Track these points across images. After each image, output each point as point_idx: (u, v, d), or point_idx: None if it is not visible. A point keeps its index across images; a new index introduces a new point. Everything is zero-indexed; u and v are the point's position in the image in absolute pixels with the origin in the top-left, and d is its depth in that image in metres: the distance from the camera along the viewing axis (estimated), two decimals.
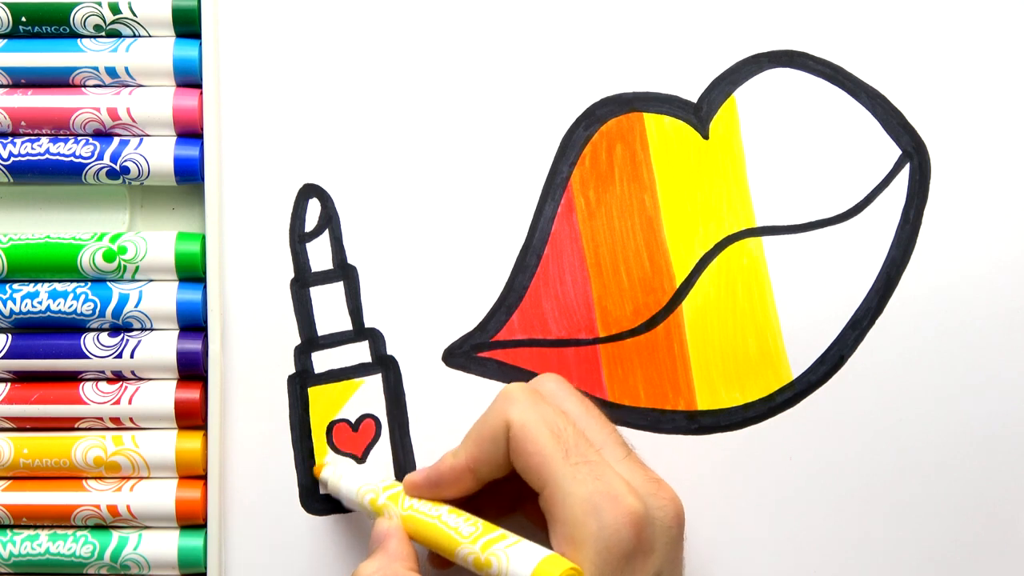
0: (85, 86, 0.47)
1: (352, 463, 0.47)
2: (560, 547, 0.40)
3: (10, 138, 0.47)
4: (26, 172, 0.47)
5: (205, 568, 0.47)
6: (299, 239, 0.48)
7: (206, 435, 0.47)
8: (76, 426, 0.47)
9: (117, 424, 0.47)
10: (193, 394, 0.47)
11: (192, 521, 0.47)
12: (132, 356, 0.47)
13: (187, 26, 0.47)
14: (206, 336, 0.47)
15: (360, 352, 0.48)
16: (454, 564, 0.42)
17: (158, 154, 0.47)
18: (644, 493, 0.41)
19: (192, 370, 0.47)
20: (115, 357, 0.47)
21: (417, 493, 0.44)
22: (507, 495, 0.45)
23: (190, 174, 0.47)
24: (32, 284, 0.47)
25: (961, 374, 0.47)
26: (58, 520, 0.47)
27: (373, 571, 0.41)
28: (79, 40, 0.47)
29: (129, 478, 0.47)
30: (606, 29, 0.48)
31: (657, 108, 0.48)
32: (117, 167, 0.47)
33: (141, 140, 0.47)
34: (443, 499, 0.43)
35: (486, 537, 0.41)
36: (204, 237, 0.47)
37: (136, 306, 0.47)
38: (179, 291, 0.47)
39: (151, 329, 0.47)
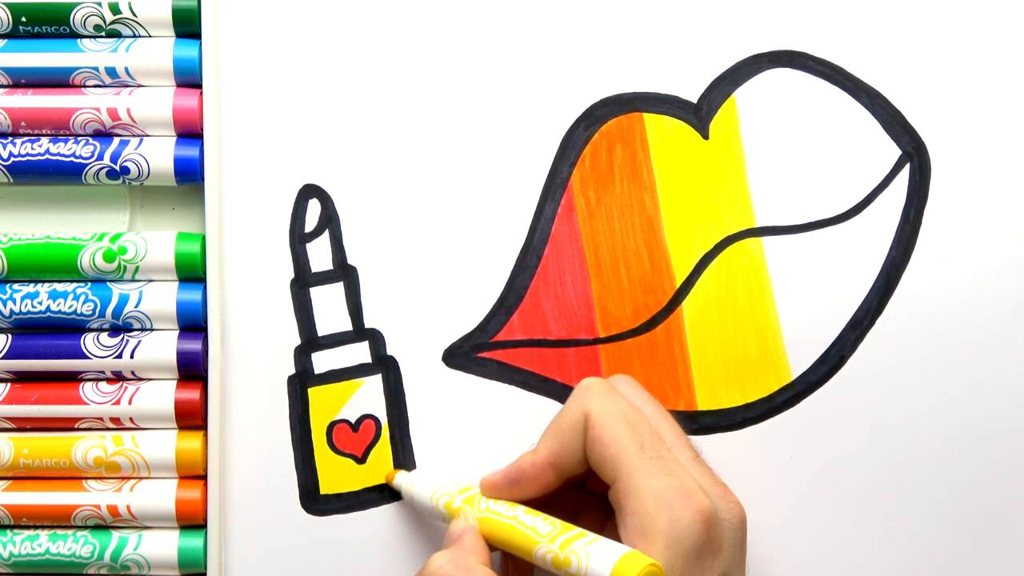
0: (85, 86, 0.47)
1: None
2: (630, 539, 0.40)
3: (10, 138, 0.47)
4: (26, 172, 0.47)
5: (205, 568, 0.47)
6: (299, 239, 0.48)
7: (206, 435, 0.47)
8: (76, 426, 0.47)
9: (117, 424, 0.47)
10: (193, 394, 0.47)
11: (192, 521, 0.47)
12: (132, 356, 0.47)
13: (187, 26, 0.47)
14: (206, 336, 0.47)
15: (360, 352, 0.48)
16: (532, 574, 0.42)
17: (158, 154, 0.47)
18: (713, 495, 0.41)
19: (192, 370, 0.47)
20: (115, 357, 0.47)
21: (495, 493, 0.44)
22: (564, 506, 0.45)
23: (190, 174, 0.47)
24: (32, 284, 0.47)
25: (961, 374, 0.47)
26: (58, 520, 0.47)
27: (445, 561, 0.41)
28: (79, 40, 0.47)
29: (129, 478, 0.47)
30: (606, 29, 0.48)
31: (657, 108, 0.48)
32: (117, 167, 0.47)
33: (141, 140, 0.47)
34: (520, 499, 0.44)
35: (564, 535, 0.41)
36: (204, 237, 0.47)
37: (136, 306, 0.47)
38: (179, 291, 0.47)
39: (151, 329, 0.47)
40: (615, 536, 0.41)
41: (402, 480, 0.47)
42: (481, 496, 0.44)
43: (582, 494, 0.46)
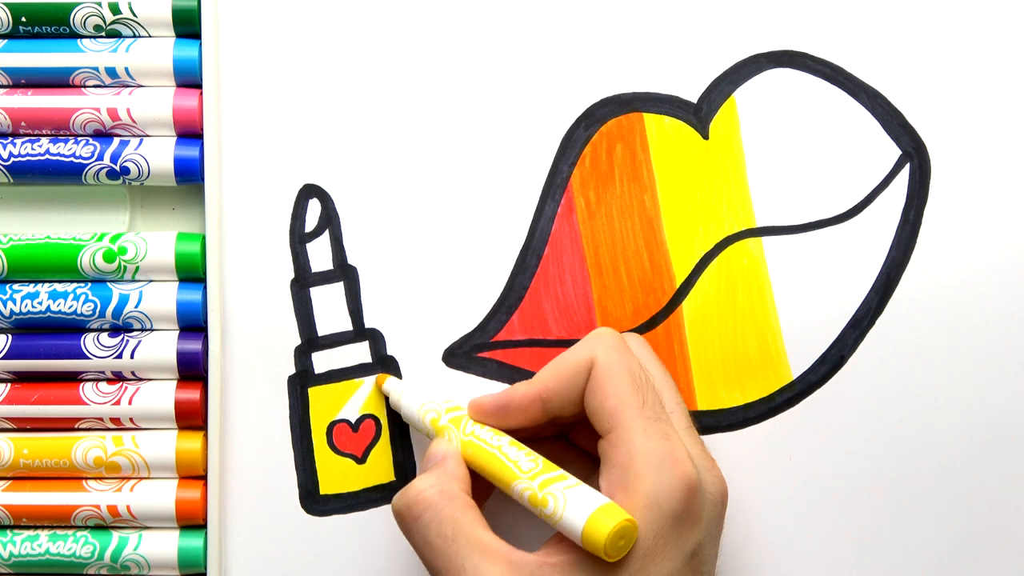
0: (85, 86, 0.47)
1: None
2: (611, 492, 0.40)
3: (10, 138, 0.47)
4: (26, 172, 0.47)
5: (205, 568, 0.47)
6: (299, 239, 0.48)
7: (206, 435, 0.47)
8: (76, 426, 0.47)
9: (117, 424, 0.47)
10: (193, 394, 0.47)
11: (192, 521, 0.47)
12: (132, 356, 0.47)
13: (187, 26, 0.47)
14: (206, 336, 0.47)
15: (360, 352, 0.48)
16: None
17: (158, 154, 0.47)
18: (700, 466, 0.42)
19: (192, 370, 0.47)
20: (115, 357, 0.47)
21: (482, 418, 0.44)
22: (548, 456, 0.45)
23: (190, 174, 0.47)
24: (32, 284, 0.47)
25: (961, 374, 0.47)
26: (58, 520, 0.47)
27: (430, 485, 0.42)
28: (79, 40, 0.47)
29: (129, 478, 0.47)
30: (606, 29, 0.48)
31: (657, 108, 0.48)
32: (117, 167, 0.47)
33: (141, 140, 0.47)
34: (506, 427, 0.44)
35: (545, 475, 0.41)
36: (204, 237, 0.47)
37: (136, 306, 0.47)
38: (179, 291, 0.47)
39: (151, 329, 0.47)
40: (596, 488, 0.41)
41: (392, 387, 0.46)
42: (468, 418, 0.44)
43: (567, 446, 0.46)
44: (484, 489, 0.45)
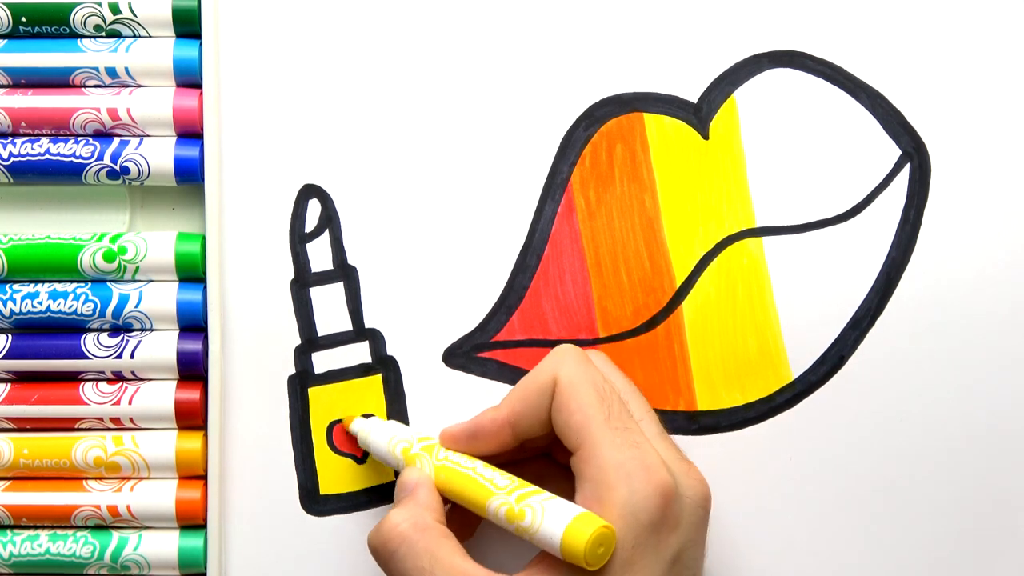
0: (85, 86, 0.47)
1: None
2: (586, 506, 0.40)
3: (10, 138, 0.47)
4: (26, 172, 0.47)
5: (205, 568, 0.47)
6: (299, 239, 0.48)
7: (206, 435, 0.47)
8: (76, 426, 0.47)
9: (117, 424, 0.47)
10: (193, 394, 0.47)
11: (192, 521, 0.47)
12: (132, 356, 0.47)
13: (187, 26, 0.47)
14: (206, 336, 0.47)
15: (360, 352, 0.48)
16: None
17: (158, 154, 0.47)
18: (675, 471, 0.41)
19: (192, 370, 0.47)
20: (115, 357, 0.47)
21: (453, 445, 0.44)
22: (530, 474, 0.45)
23: (190, 174, 0.47)
24: (32, 284, 0.47)
25: (961, 374, 0.47)
26: (58, 520, 0.47)
27: (403, 519, 0.41)
28: (79, 40, 0.47)
29: (129, 478, 0.47)
30: (606, 29, 0.48)
31: (657, 108, 0.48)
32: (117, 167, 0.47)
33: (141, 140, 0.47)
34: (478, 453, 0.43)
35: (521, 490, 0.41)
36: (204, 237, 0.47)
37: (136, 306, 0.47)
38: (179, 291, 0.47)
39: (151, 329, 0.47)
40: None
41: (359, 426, 0.46)
42: (440, 447, 0.44)
43: (548, 464, 0.46)
44: (469, 524, 0.45)
